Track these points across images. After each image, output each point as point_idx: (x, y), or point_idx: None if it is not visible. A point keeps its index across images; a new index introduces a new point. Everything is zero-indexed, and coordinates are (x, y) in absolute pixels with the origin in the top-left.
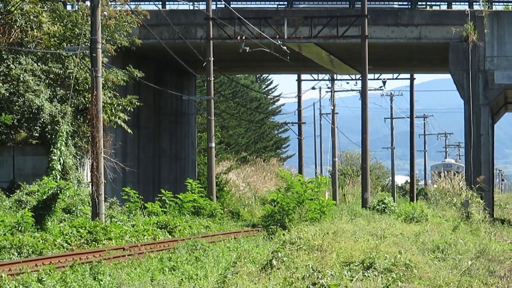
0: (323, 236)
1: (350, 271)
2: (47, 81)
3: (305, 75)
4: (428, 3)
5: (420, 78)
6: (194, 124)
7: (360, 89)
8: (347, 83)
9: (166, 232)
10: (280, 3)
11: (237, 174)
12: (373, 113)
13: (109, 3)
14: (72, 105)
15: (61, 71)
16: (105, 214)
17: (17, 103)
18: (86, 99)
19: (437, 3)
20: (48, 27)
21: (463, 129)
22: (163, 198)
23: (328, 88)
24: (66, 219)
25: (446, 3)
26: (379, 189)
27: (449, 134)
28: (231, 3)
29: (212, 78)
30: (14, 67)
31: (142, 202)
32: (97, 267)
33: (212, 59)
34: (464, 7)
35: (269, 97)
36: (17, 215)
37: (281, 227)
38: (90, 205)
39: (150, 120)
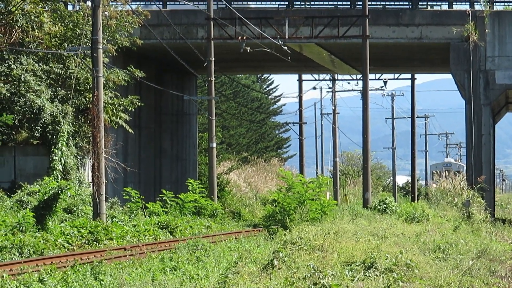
0: (324, 236)
1: (351, 271)
2: (48, 81)
3: (306, 75)
4: (429, 3)
5: (421, 78)
6: (195, 124)
7: (361, 89)
8: (348, 83)
9: (167, 232)
10: (281, 3)
11: (238, 174)
12: (374, 113)
13: (110, 3)
14: (73, 105)
15: (62, 71)
16: (106, 214)
17: (18, 103)
18: (87, 99)
19: (438, 3)
20: (49, 27)
21: (464, 129)
22: (164, 198)
23: (329, 88)
24: (67, 219)
25: (447, 3)
26: (380, 189)
27: (450, 134)
28: (232, 3)
29: (213, 78)
30: (15, 67)
31: (143, 202)
32: (98, 267)
33: (213, 59)
34: (465, 7)
35: (270, 97)
36: (18, 215)
37: (282, 227)
38: (91, 205)
39: (151, 120)
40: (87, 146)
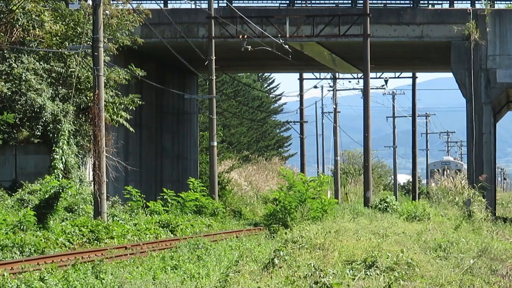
0: (325, 234)
1: (352, 270)
2: (49, 80)
3: (307, 74)
4: (430, 1)
5: (422, 77)
6: (196, 123)
7: (362, 87)
8: (349, 81)
9: (168, 231)
10: (282, 2)
11: (239, 173)
12: (375, 112)
13: (111, 2)
14: (74, 104)
15: (63, 70)
16: (107, 213)
17: (19, 102)
18: (88, 98)
19: (439, 2)
20: (50, 26)
21: (465, 127)
22: (165, 197)
23: (330, 87)
24: (68, 218)
25: (448, 2)
26: (381, 188)
27: (451, 133)
28: (233, 2)
29: (214, 77)
30: (16, 66)
31: (144, 201)
32: (99, 266)
33: (214, 58)
34: (466, 5)
35: (271, 96)
36: (19, 214)
37: (283, 226)
38: (92, 204)
39: (152, 119)
40: (88, 145)
